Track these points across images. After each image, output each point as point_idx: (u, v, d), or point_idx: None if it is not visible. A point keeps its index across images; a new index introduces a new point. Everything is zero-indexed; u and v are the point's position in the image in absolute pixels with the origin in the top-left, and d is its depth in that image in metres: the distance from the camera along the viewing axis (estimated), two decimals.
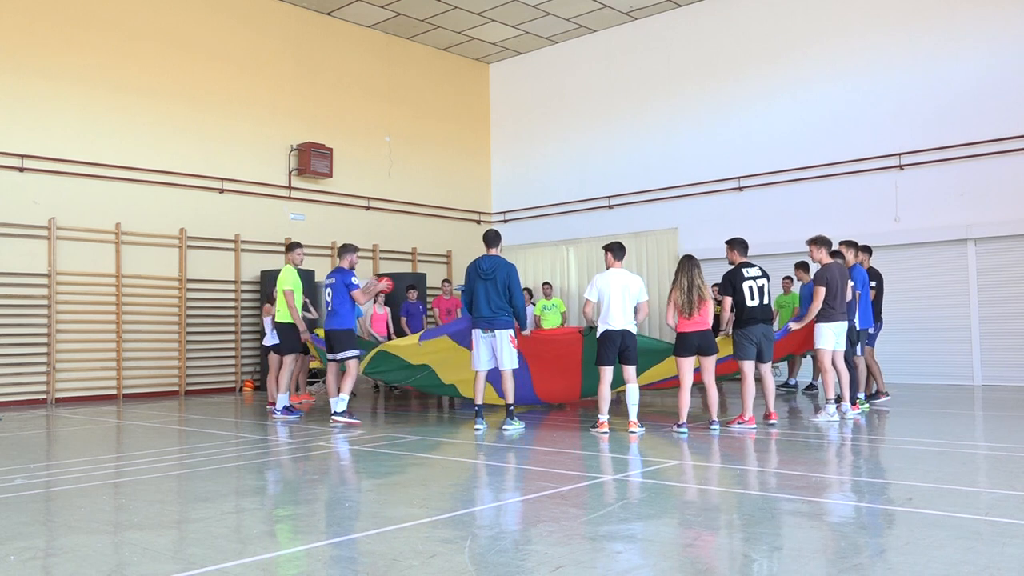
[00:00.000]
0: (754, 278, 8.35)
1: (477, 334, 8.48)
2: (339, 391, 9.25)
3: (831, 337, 8.76)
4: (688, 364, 8.11)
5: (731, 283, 8.35)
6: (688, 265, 8.09)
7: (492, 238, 8.70)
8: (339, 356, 9.30)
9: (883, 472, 6.04)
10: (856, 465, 6.41)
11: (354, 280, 9.37)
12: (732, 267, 8.53)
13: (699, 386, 8.69)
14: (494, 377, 8.96)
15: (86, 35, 13.25)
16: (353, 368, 9.24)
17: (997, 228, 12.70)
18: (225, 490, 5.67)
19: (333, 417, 9.09)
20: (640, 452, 6.99)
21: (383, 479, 6.15)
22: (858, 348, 9.57)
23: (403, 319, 13.66)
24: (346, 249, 9.61)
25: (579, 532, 4.22)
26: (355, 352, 9.31)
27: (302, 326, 10.12)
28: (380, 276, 9.07)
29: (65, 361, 12.79)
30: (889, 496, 5.09)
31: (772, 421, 8.36)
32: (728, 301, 8.36)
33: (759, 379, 8.58)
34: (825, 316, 8.74)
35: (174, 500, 5.44)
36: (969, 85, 13.03)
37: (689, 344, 8.05)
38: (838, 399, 8.81)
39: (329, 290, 9.43)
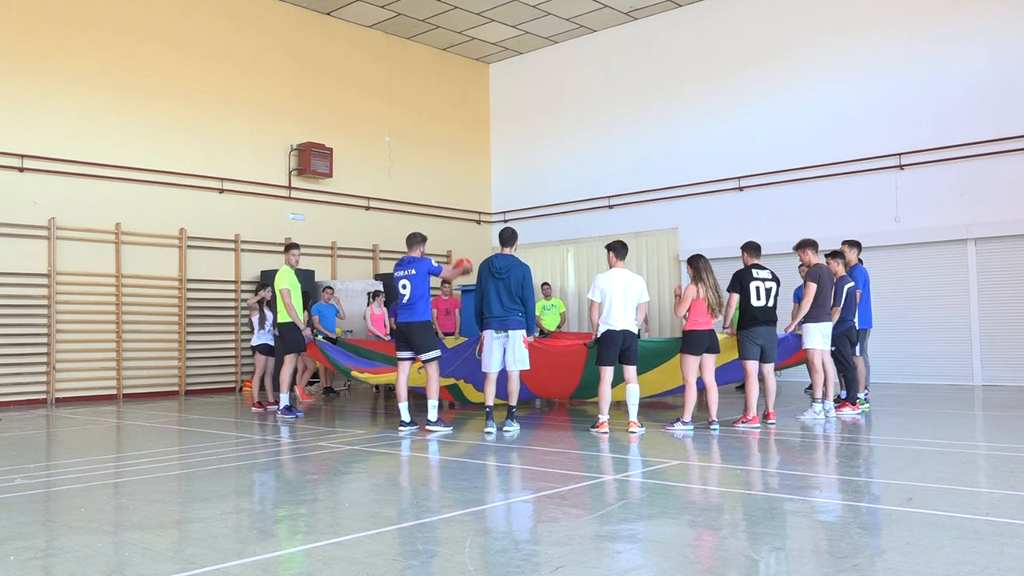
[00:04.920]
0: (763, 279, 8.39)
1: (489, 335, 8.21)
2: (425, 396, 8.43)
3: (819, 337, 8.91)
4: (696, 362, 8.16)
5: (739, 281, 8.40)
6: (707, 264, 8.22)
7: (508, 237, 8.35)
8: (422, 357, 8.39)
9: (883, 472, 6.03)
10: (856, 465, 6.41)
11: (435, 263, 8.53)
12: (744, 267, 8.56)
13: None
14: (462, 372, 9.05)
15: (86, 35, 13.24)
16: (435, 370, 8.40)
17: (997, 228, 12.70)
18: (225, 490, 5.67)
19: (427, 427, 8.27)
20: (640, 452, 6.99)
21: (383, 479, 6.14)
22: (857, 348, 9.60)
23: (391, 320, 13.70)
24: (416, 238, 8.67)
25: (579, 532, 4.22)
26: (437, 352, 8.46)
27: (301, 323, 10.14)
28: (460, 260, 8.44)
29: (65, 361, 12.79)
30: (889, 496, 5.09)
31: (771, 421, 8.42)
32: (735, 298, 8.38)
33: (762, 378, 8.62)
34: (813, 316, 8.89)
35: (174, 500, 5.44)
36: (969, 85, 13.02)
37: (700, 341, 8.12)
38: (823, 397, 8.91)
39: (406, 282, 8.47)
